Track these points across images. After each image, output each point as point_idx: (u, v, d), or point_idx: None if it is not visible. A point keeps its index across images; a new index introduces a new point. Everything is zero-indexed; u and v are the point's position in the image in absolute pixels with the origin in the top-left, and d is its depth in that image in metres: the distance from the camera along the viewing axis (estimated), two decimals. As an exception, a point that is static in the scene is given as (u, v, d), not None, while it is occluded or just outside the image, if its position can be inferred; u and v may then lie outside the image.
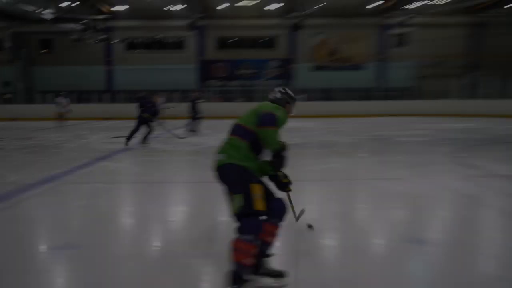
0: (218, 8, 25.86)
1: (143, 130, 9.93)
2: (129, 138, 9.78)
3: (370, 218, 4.45)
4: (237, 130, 2.82)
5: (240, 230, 2.61)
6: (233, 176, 2.69)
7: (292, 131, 12.74)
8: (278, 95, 3.02)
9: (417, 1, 24.10)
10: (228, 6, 25.63)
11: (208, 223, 4.14)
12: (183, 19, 25.89)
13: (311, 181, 6.15)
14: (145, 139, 10.00)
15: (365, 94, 25.30)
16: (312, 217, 3.95)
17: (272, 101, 3.00)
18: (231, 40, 27.73)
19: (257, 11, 26.51)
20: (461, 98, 24.11)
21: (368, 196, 5.35)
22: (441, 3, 23.48)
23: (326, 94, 25.71)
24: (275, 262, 3.04)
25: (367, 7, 26.22)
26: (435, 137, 11.85)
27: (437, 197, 5.21)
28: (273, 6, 26.00)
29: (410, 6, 24.88)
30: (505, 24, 27.15)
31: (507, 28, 26.88)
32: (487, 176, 6.35)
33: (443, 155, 8.50)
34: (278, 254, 3.25)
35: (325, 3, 25.06)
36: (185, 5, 24.55)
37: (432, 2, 22.93)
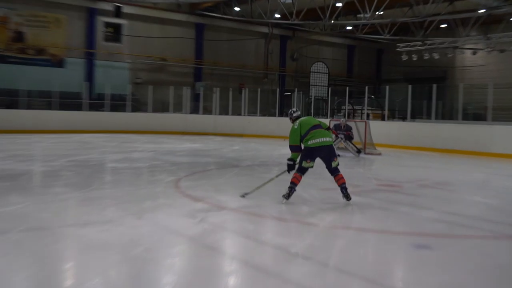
0: None
1: None
2: None
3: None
4: (323, 126, 7.31)
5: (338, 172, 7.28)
6: (334, 151, 7.33)
7: None
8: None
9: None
10: None
11: None
12: None
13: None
14: None
15: (70, 101, 24.30)
16: None
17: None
18: None
19: None
20: (187, 112, 26.47)
21: (59, 251, 4.65)
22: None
23: (10, 99, 23.24)
24: None
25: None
26: (158, 162, 12.30)
27: (157, 244, 5.00)
28: None
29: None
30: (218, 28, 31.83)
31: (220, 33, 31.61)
32: (214, 210, 6.69)
33: (166, 185, 8.68)
34: None
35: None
36: None
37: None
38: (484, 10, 22.17)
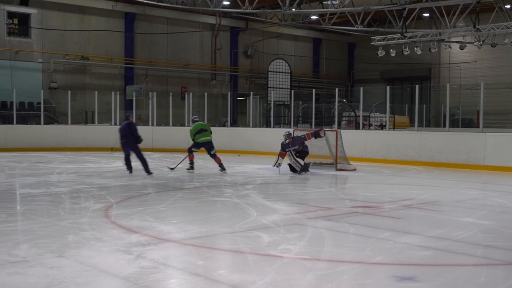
0: None
1: None
2: None
3: None
4: (208, 130, 16.24)
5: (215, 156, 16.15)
6: (212, 144, 16.26)
7: None
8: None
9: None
10: None
11: None
12: None
13: None
14: None
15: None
16: None
17: None
18: None
19: None
20: (117, 123, 26.20)
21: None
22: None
23: None
24: None
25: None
26: (82, 185, 12.21)
27: (85, 289, 4.97)
28: None
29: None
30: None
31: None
32: (154, 243, 6.70)
33: (92, 214, 8.62)
34: None
35: None
36: None
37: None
38: (472, -3, 23.11)
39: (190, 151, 15.93)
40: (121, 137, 14.70)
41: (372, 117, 24.82)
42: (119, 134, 14.74)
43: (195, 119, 16.60)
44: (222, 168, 15.46)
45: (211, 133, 15.93)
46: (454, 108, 29.15)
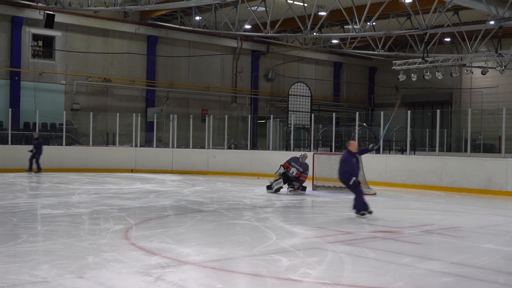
0: None
1: None
2: None
3: None
4: None
5: None
6: None
7: None
8: None
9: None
10: None
11: None
12: None
13: None
14: None
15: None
16: None
17: None
18: None
19: None
20: (137, 145, 26.42)
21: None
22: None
23: None
24: None
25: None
26: (102, 207, 12.29)
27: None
28: None
29: None
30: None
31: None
32: (173, 265, 6.72)
33: (112, 235, 8.65)
34: None
35: None
36: None
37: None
38: (494, 22, 23.04)
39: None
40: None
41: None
42: None
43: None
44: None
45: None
46: (475, 133, 28.91)
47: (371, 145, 13.60)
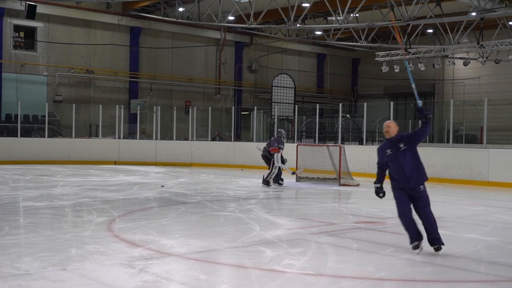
0: None
1: None
2: None
3: None
4: None
5: None
6: None
7: None
8: None
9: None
10: None
11: None
12: None
13: None
14: None
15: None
16: None
17: None
18: None
19: None
20: (121, 137, 26.30)
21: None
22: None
23: None
24: None
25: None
26: (85, 199, 12.25)
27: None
28: None
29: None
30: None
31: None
32: (157, 257, 6.71)
33: (96, 228, 8.63)
34: None
35: None
36: None
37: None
38: (475, 13, 23.19)
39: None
40: None
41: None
42: None
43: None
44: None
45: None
46: (457, 124, 29.13)
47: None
